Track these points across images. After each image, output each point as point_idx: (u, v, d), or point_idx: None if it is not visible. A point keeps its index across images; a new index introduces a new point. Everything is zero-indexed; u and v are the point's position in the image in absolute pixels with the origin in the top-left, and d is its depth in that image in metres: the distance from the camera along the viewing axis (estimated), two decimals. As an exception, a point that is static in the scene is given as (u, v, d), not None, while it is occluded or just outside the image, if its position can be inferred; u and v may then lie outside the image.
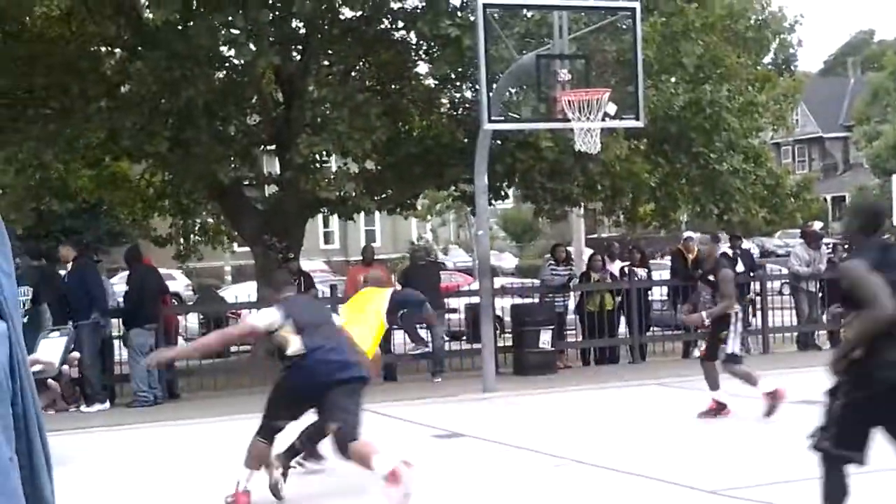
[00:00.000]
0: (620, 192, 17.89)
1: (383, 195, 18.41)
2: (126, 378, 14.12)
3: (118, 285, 17.51)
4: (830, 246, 18.76)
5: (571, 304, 17.49)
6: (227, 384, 14.82)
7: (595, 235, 43.21)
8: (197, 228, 20.97)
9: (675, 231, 28.37)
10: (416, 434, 10.73)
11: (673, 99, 16.08)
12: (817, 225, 19.49)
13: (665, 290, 17.93)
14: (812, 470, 8.34)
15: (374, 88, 17.46)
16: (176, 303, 21.56)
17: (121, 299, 14.54)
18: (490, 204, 17.16)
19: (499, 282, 20.48)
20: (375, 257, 16.81)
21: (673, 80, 16.69)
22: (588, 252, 21.91)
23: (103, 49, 17.70)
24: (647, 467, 8.58)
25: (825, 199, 58.45)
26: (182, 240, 20.68)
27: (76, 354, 12.72)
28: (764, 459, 8.83)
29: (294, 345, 7.54)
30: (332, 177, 15.96)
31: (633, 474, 8.43)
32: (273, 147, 18.18)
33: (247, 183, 18.22)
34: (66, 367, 12.16)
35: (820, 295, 17.31)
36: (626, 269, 17.48)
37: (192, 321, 20.73)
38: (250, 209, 18.03)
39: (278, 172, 17.98)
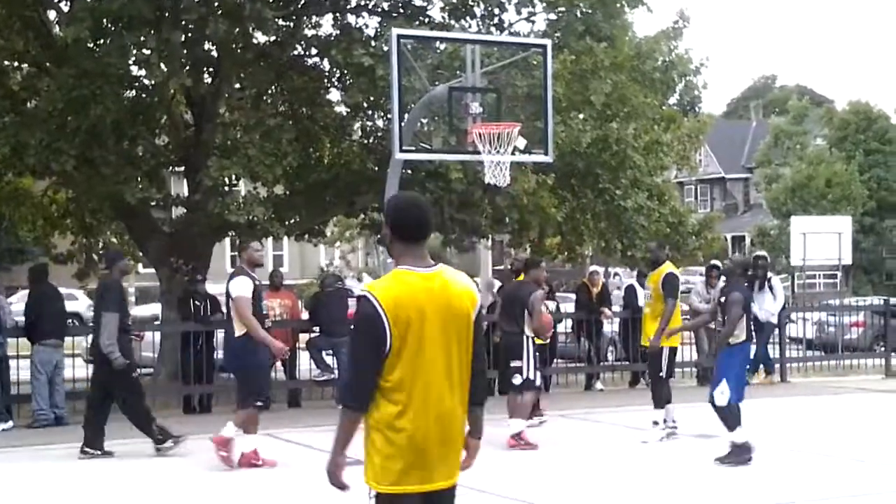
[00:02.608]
0: (527, 225, 18.11)
1: (292, 220, 18.36)
2: (26, 398, 13.82)
3: (17, 304, 17.17)
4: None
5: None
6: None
7: (502, 267, 43.54)
8: (101, 248, 20.64)
9: (580, 265, 28.75)
10: (321, 461, 10.68)
11: (581, 135, 16.36)
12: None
13: (570, 322, 18.15)
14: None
15: (285, 114, 17.45)
16: (77, 323, 21.20)
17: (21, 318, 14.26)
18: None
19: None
20: (283, 283, 16.75)
21: (581, 116, 16.98)
22: (497, 284, 22.04)
23: (10, 63, 17.41)
24: (550, 496, 8.70)
25: (726, 238, 59.72)
26: (84, 258, 20.34)
27: None
28: (668, 489, 9.01)
29: None
30: (241, 201, 15.86)
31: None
32: (182, 169, 18.05)
33: (154, 204, 18.03)
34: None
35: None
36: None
37: (92, 342, 20.36)
38: (157, 230, 17.84)
39: (186, 194, 17.84)
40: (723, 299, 10.23)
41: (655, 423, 11.41)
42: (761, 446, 11.16)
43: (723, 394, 9.95)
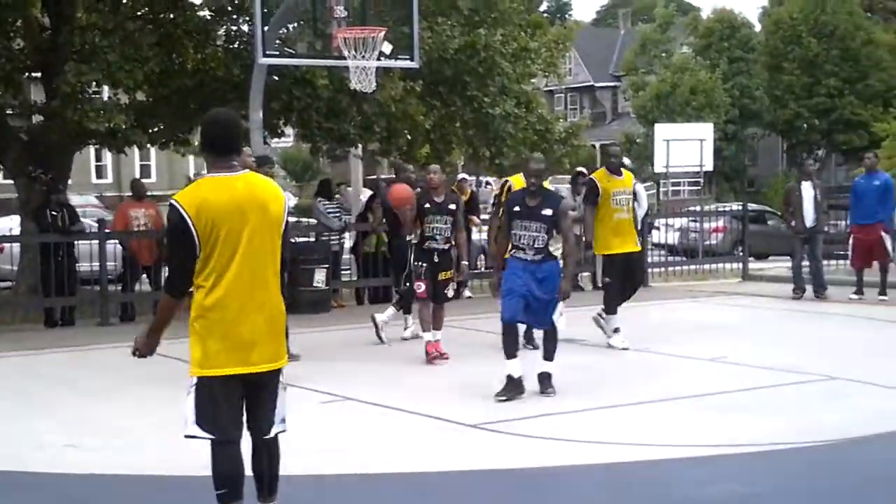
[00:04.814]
0: (396, 133, 18.05)
1: (156, 129, 17.94)
2: None
3: None
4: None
5: (347, 244, 17.57)
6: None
7: (374, 176, 43.47)
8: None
9: (451, 174, 28.83)
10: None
11: (448, 42, 16.30)
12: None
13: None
14: (555, 406, 8.78)
15: (146, 17, 16.94)
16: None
17: None
18: (266, 142, 17.01)
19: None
20: (149, 193, 16.41)
21: (449, 22, 16.89)
22: (367, 193, 21.98)
23: None
24: (413, 404, 8.81)
25: (594, 146, 60.47)
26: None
27: None
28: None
29: None
30: (100, 108, 15.40)
31: (401, 410, 8.64)
32: (39, 74, 17.42)
33: (10, 111, 17.40)
34: None
35: (584, 238, 17.95)
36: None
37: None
38: (14, 138, 17.26)
39: (44, 101, 17.27)
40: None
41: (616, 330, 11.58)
42: (623, 349, 11.46)
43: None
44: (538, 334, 9.89)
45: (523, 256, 9.01)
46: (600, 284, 11.88)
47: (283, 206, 5.18)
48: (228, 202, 4.96)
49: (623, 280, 11.74)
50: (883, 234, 15.38)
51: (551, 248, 9.03)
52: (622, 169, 11.92)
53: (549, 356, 9.16)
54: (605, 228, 11.64)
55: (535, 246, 8.96)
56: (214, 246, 4.94)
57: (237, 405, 5.09)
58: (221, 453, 5.04)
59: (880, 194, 15.45)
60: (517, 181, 11.24)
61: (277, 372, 5.18)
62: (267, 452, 5.22)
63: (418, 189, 11.72)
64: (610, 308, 11.69)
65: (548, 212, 8.98)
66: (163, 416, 8.23)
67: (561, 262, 9.08)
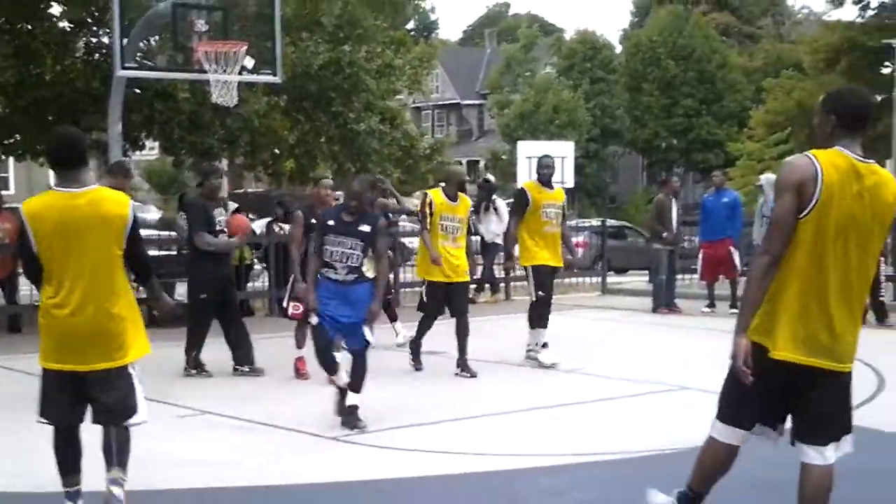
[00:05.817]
0: (261, 147, 17.99)
1: (12, 140, 17.51)
2: None
3: None
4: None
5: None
6: None
7: (241, 190, 43.14)
8: None
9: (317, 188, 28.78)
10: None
11: (312, 57, 16.35)
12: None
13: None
14: (412, 418, 8.89)
15: (2, 27, 16.55)
16: None
17: None
18: (126, 154, 16.77)
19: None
20: (7, 205, 15.97)
21: (313, 38, 16.94)
22: (232, 206, 21.77)
23: None
24: (273, 418, 8.80)
25: (460, 163, 61.00)
26: None
27: None
28: (381, 407, 9.28)
29: None
30: (-47, 119, 15.02)
31: (261, 423, 8.63)
32: None
33: None
34: None
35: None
36: (269, 225, 17.54)
37: None
38: None
39: None
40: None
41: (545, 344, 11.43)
42: (486, 362, 11.61)
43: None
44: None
45: (335, 276, 8.41)
46: (534, 298, 11.54)
47: (127, 219, 5.56)
48: (65, 216, 5.41)
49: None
50: (731, 249, 16.00)
51: (364, 269, 8.45)
52: (552, 183, 11.83)
53: (355, 387, 8.38)
54: (533, 240, 11.46)
55: (349, 264, 8.36)
56: (52, 254, 5.42)
57: (74, 398, 5.60)
58: (58, 437, 5.68)
59: (729, 211, 16.08)
60: (436, 194, 11.08)
61: (118, 369, 5.62)
62: (117, 444, 5.60)
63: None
64: (541, 322, 11.50)
65: (365, 228, 8.39)
66: (11, 431, 8.06)
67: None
